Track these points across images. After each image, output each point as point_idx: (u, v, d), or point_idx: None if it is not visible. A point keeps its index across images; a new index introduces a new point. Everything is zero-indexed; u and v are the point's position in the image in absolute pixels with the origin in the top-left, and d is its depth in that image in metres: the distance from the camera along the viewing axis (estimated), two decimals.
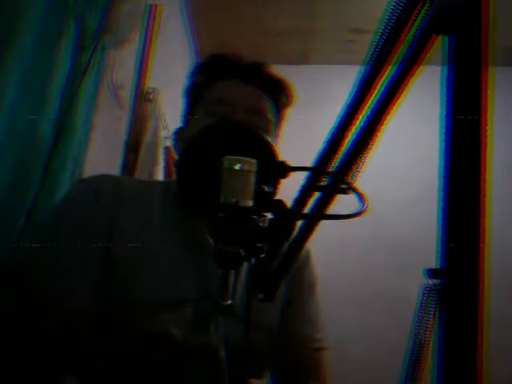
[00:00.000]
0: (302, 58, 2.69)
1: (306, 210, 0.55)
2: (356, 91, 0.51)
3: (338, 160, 0.53)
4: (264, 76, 0.87)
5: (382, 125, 0.48)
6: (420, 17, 0.44)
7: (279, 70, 0.90)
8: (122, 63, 1.28)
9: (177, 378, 0.74)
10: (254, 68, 0.87)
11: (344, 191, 0.52)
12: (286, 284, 0.86)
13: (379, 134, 0.49)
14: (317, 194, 0.55)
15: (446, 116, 0.39)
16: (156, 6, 1.59)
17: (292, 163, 0.60)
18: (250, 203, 0.52)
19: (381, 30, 0.47)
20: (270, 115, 0.86)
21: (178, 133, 0.92)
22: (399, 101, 0.46)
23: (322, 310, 0.93)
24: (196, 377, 0.75)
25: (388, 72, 0.48)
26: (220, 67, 0.88)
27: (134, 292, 0.72)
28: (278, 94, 0.88)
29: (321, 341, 0.90)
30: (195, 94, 0.89)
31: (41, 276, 0.71)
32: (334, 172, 0.53)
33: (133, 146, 1.49)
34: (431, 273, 0.38)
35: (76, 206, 0.78)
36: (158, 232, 0.78)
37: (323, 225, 0.54)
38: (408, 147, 2.52)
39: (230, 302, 0.55)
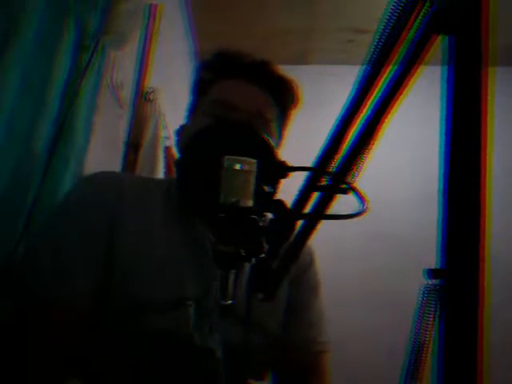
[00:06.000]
0: (302, 58, 2.69)
1: (306, 209, 0.55)
2: (356, 91, 0.51)
3: (338, 160, 0.53)
4: (269, 76, 0.85)
5: (381, 125, 0.48)
6: (420, 17, 0.44)
7: None
8: (121, 63, 1.28)
9: (177, 377, 0.75)
10: (259, 67, 0.85)
11: (344, 191, 0.52)
12: (290, 286, 0.86)
13: (379, 134, 0.49)
14: (317, 194, 0.55)
15: (446, 116, 0.39)
16: (156, 6, 1.59)
17: (292, 163, 0.60)
18: (250, 203, 0.52)
19: (381, 30, 0.47)
20: (272, 116, 0.85)
21: (181, 130, 0.91)
22: (399, 101, 0.46)
23: (324, 313, 0.93)
24: (195, 376, 0.74)
25: (388, 72, 0.48)
26: (224, 65, 0.87)
27: (134, 291, 0.72)
28: (283, 95, 0.87)
29: (323, 344, 0.89)
30: (199, 92, 0.88)
31: (42, 276, 0.71)
32: (334, 172, 0.53)
33: (133, 146, 1.49)
34: (431, 273, 0.38)
35: (77, 204, 0.77)
36: (158, 231, 0.78)
37: (323, 225, 0.54)
38: (408, 147, 2.52)
39: (230, 302, 0.55)
